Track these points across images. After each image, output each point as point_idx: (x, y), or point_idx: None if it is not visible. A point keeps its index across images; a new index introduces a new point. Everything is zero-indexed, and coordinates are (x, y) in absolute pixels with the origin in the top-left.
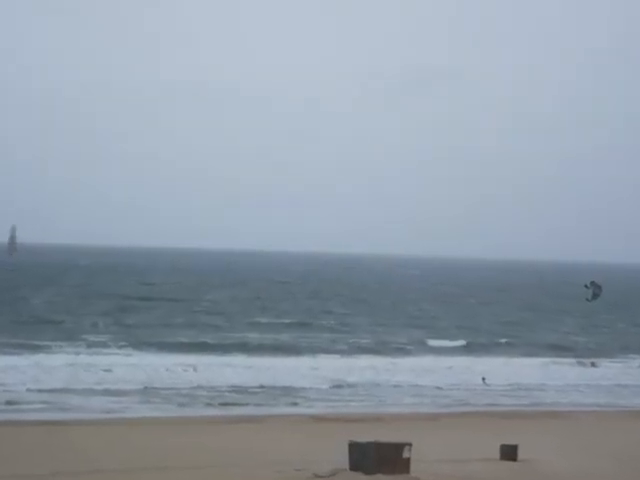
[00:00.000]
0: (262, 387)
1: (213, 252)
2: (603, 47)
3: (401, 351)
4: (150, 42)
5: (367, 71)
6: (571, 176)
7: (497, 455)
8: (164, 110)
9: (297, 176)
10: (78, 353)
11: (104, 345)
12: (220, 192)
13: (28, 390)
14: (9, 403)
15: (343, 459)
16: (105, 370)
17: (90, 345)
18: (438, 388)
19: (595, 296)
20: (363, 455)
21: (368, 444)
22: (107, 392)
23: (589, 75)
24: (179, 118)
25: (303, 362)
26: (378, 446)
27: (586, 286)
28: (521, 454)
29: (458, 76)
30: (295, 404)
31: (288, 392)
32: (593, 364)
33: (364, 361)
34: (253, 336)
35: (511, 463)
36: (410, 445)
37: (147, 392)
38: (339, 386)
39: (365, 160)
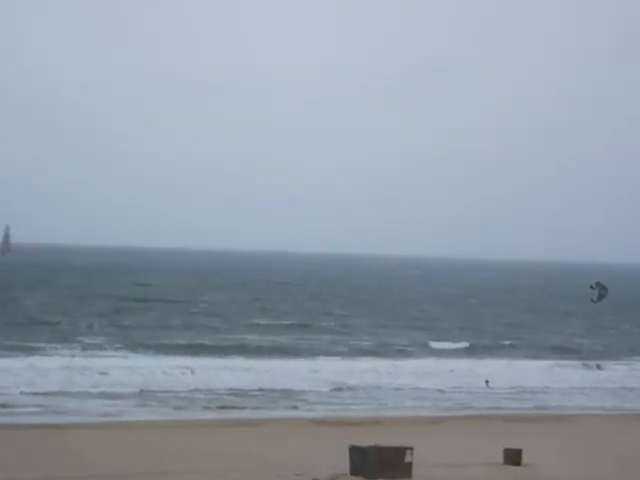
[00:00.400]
0: (261, 390)
1: (213, 252)
2: (603, 47)
3: (402, 353)
4: (150, 42)
5: (367, 71)
6: (571, 176)
7: (500, 459)
8: (164, 110)
9: (297, 176)
10: (73, 355)
11: (100, 347)
12: (220, 192)
13: (22, 393)
14: (3, 406)
15: (343, 463)
16: (101, 373)
17: (85, 347)
18: (440, 391)
19: (601, 297)
20: (364, 459)
21: (369, 448)
22: (103, 395)
23: (589, 75)
24: (179, 118)
25: (303, 364)
26: (379, 450)
27: (591, 287)
28: (525, 458)
29: (458, 76)
30: (295, 407)
31: (287, 395)
32: (598, 366)
33: (365, 363)
34: (252, 338)
35: (515, 467)
36: (412, 449)
37: (143, 395)
38: (339, 389)
39: (365, 160)
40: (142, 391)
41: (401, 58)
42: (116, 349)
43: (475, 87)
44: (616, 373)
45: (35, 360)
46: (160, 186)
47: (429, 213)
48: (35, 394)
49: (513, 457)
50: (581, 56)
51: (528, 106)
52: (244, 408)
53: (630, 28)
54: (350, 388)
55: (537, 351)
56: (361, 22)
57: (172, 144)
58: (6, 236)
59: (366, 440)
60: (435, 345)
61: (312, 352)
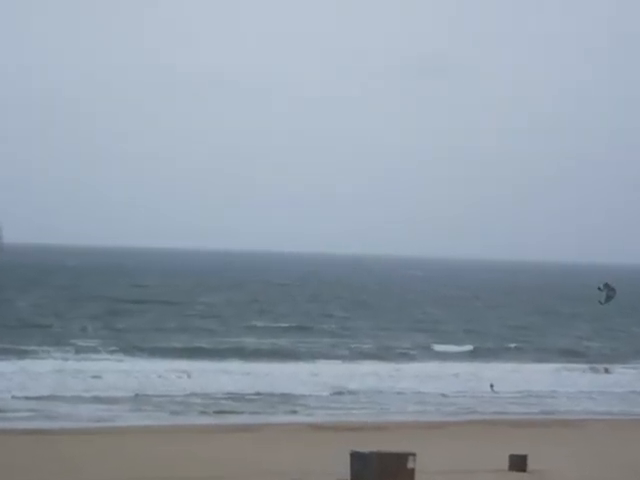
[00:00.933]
0: (259, 394)
1: (213, 252)
2: (603, 47)
3: (405, 356)
4: (150, 42)
5: (367, 71)
6: (571, 176)
7: (506, 465)
8: (164, 110)
9: (297, 176)
10: (66, 359)
11: (93, 350)
12: (220, 192)
13: (14, 397)
14: None
15: (344, 470)
16: (94, 376)
17: (79, 350)
18: (443, 395)
19: (609, 299)
20: (365, 465)
21: (370, 454)
22: (96, 400)
23: (589, 75)
24: (179, 118)
25: (302, 368)
26: (380, 456)
27: (599, 288)
28: (531, 464)
29: (458, 76)
30: (294, 412)
31: (286, 399)
32: (606, 370)
33: (366, 367)
34: (250, 341)
35: (520, 474)
36: (414, 455)
37: (138, 400)
38: (340, 393)
39: (365, 160)
40: (137, 395)
41: (401, 58)
42: (110, 352)
43: (475, 87)
44: (624, 377)
45: (27, 363)
46: (160, 186)
47: (429, 213)
48: (27, 398)
49: (518, 463)
50: (581, 56)
51: (528, 106)
52: (242, 413)
53: (630, 28)
54: (351, 392)
55: (543, 354)
56: (361, 22)
57: (172, 144)
58: None
59: (367, 446)
60: (438, 348)
61: (312, 355)
